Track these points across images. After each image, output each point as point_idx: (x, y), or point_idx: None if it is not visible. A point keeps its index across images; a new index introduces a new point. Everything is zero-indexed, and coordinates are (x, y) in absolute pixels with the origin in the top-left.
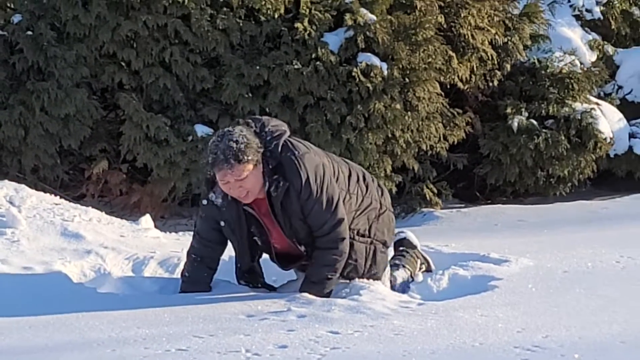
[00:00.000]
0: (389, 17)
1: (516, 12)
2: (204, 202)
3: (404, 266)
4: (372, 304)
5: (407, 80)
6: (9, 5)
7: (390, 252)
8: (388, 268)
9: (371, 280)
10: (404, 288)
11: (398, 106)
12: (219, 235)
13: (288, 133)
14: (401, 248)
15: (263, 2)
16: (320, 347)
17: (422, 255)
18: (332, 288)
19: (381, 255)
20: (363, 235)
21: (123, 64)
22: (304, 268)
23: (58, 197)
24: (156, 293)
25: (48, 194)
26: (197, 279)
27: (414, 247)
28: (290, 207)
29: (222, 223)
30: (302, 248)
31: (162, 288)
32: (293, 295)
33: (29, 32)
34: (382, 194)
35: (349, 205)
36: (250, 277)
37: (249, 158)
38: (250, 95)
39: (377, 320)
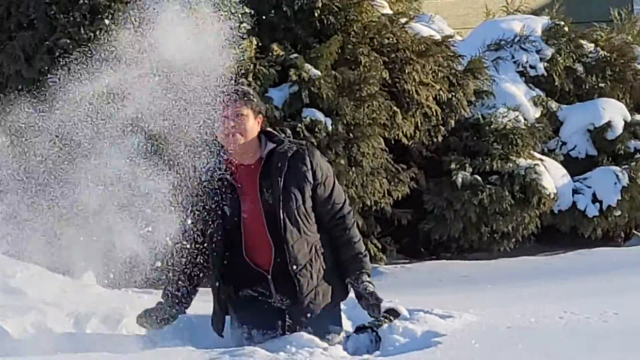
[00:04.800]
0: (334, 72)
1: (460, 68)
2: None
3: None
4: (314, 359)
5: (351, 135)
6: None
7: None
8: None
9: (316, 339)
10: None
11: (342, 161)
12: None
13: None
14: (384, 315)
15: None
16: None
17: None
18: None
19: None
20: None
21: None
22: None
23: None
24: (98, 349)
25: None
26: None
27: (398, 316)
28: (295, 173)
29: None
30: (278, 218)
31: (104, 345)
32: (238, 350)
33: None
34: None
35: None
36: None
37: (253, 102)
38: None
39: None
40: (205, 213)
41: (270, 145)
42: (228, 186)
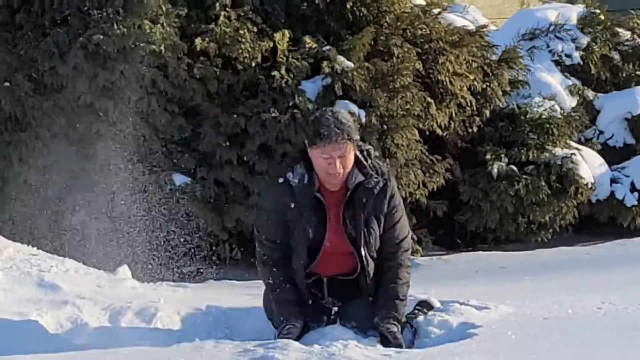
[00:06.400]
0: (367, 64)
1: (495, 58)
2: (280, 180)
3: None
4: (350, 352)
5: (385, 127)
6: None
7: None
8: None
9: (350, 332)
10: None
11: (376, 153)
12: (286, 234)
13: None
14: (417, 308)
15: (240, 51)
16: None
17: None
18: None
19: None
20: None
21: (100, 113)
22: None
23: (35, 247)
24: (133, 343)
25: (25, 245)
26: (285, 283)
27: (431, 308)
28: (375, 206)
29: (293, 205)
30: (359, 252)
31: (139, 339)
32: (271, 342)
33: (6, 84)
34: None
35: None
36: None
37: (355, 138)
38: (227, 143)
39: None
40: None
41: (359, 178)
42: (315, 209)
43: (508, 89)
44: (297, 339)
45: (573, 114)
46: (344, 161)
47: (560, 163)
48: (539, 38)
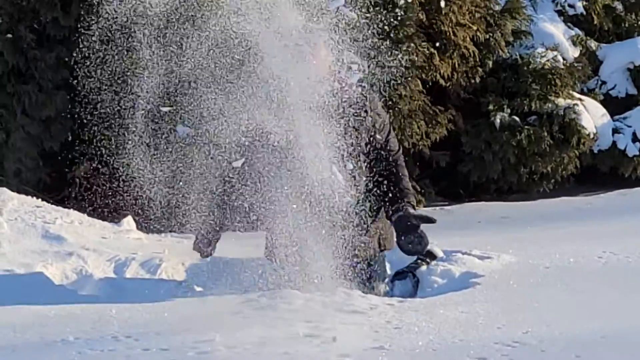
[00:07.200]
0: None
1: (498, 8)
2: None
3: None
4: (354, 301)
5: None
6: None
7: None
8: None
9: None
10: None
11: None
12: None
13: None
14: (420, 258)
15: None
16: (298, 344)
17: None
18: None
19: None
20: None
21: None
22: None
23: (40, 199)
24: (137, 294)
25: (30, 197)
26: None
27: (434, 258)
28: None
29: None
30: None
31: (144, 289)
32: (275, 292)
33: (9, 35)
34: None
35: None
36: None
37: None
38: None
39: (357, 316)
40: None
41: None
42: None
43: (511, 39)
44: None
45: (576, 64)
46: None
47: (562, 113)
48: None
